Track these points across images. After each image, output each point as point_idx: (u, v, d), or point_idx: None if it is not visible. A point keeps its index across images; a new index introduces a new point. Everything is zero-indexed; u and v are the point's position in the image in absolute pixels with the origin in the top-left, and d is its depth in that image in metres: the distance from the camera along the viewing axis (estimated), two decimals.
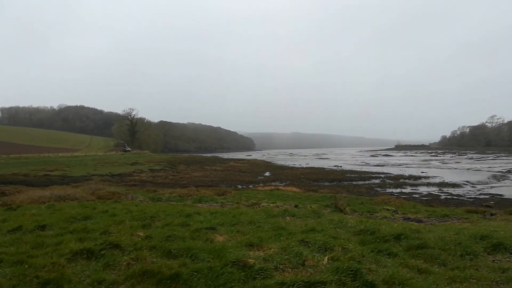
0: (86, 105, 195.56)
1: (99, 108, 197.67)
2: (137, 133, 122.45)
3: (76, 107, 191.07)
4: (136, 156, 78.94)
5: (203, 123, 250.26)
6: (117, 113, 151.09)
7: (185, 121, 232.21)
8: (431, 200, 22.82)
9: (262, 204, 13.22)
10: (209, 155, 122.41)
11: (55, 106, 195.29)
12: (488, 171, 49.44)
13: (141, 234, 6.75)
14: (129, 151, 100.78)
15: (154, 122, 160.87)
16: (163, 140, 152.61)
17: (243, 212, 9.75)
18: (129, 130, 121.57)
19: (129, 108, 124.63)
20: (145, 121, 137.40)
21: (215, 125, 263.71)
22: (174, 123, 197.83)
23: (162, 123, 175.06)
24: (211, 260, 5.14)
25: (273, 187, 26.10)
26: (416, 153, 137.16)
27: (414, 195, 25.88)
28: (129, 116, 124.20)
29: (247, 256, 5.20)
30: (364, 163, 73.59)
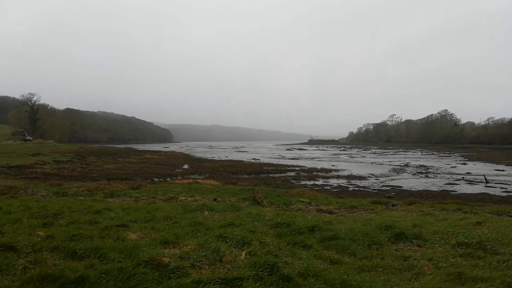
0: None
1: None
2: (39, 121, 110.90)
3: None
4: (38, 146, 71.54)
5: (116, 112, 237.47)
6: (14, 97, 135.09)
7: (95, 110, 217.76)
8: (341, 192, 24.44)
9: (180, 198, 12.86)
10: (122, 146, 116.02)
11: None
12: (389, 164, 54.60)
13: (41, 233, 6.05)
14: (29, 140, 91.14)
15: (59, 110, 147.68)
16: (70, 129, 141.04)
17: (158, 208, 9.35)
18: (29, 117, 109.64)
19: (29, 93, 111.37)
20: (49, 107, 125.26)
21: (129, 115, 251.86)
22: (83, 111, 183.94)
23: (69, 111, 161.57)
24: (122, 260, 4.78)
25: (191, 180, 25.68)
26: (327, 147, 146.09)
27: (325, 187, 27.47)
28: (29, 102, 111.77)
29: (161, 255, 4.94)
30: (280, 156, 76.23)
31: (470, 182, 32.44)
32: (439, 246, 6.04)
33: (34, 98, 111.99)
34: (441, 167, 49.08)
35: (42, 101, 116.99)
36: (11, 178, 21.68)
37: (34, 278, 4.10)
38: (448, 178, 35.90)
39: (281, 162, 55.57)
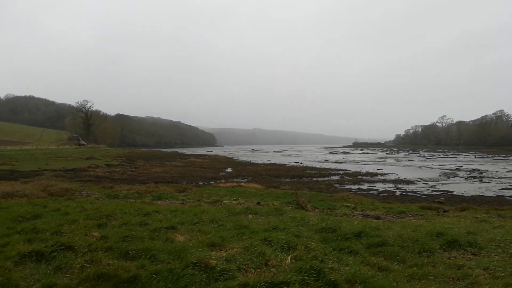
0: (36, 96, 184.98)
1: (50, 99, 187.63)
2: (92, 127, 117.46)
3: (25, 97, 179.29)
4: (91, 150, 75.84)
5: (163, 117, 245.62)
6: (70, 104, 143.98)
7: (143, 115, 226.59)
8: (387, 197, 23.68)
9: (224, 202, 13.06)
10: (168, 150, 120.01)
11: (2, 96, 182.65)
12: (439, 168, 52.15)
13: (96, 234, 6.39)
14: (83, 145, 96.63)
15: (110, 115, 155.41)
16: (120, 134, 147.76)
17: (204, 210, 9.56)
18: (83, 123, 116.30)
19: (84, 100, 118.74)
20: (101, 114, 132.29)
21: (175, 120, 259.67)
22: (132, 117, 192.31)
23: (119, 117, 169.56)
24: (171, 261, 4.95)
25: (235, 184, 25.96)
26: (372, 150, 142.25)
27: (371, 192, 26.74)
28: (83, 109, 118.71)
29: (209, 257, 5.06)
30: (323, 159, 75.24)
31: None
32: (495, 255, 5.70)
33: (88, 105, 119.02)
34: (496, 171, 46.12)
35: (95, 107, 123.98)
36: (67, 181, 23.04)
37: (90, 276, 4.36)
38: (505, 183, 33.64)
39: (324, 165, 54.87)
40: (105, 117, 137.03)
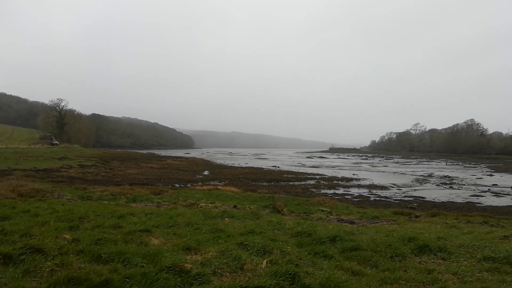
0: (8, 93, 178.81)
1: (23, 96, 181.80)
2: (66, 126, 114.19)
3: None
4: (64, 150, 73.75)
5: (140, 118, 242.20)
6: (43, 103, 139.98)
7: (120, 115, 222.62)
8: (362, 202, 24.06)
9: (201, 205, 12.97)
10: (145, 151, 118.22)
11: None
12: (411, 174, 53.43)
13: (67, 236, 6.23)
14: (56, 144, 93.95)
15: (85, 115, 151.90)
16: (95, 134, 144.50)
17: (180, 213, 9.47)
18: (57, 122, 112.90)
19: (58, 99, 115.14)
20: (76, 113, 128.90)
21: (152, 121, 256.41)
22: (108, 117, 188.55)
23: (95, 116, 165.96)
24: (145, 265, 4.87)
25: (212, 187, 25.82)
26: (348, 156, 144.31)
27: (346, 196, 27.12)
28: (57, 107, 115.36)
29: (184, 261, 5.01)
30: (300, 164, 75.78)
31: (496, 194, 31.34)
32: (464, 260, 5.89)
33: (62, 104, 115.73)
34: (466, 178, 47.67)
35: (70, 106, 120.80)
36: (38, 181, 22.31)
37: (60, 280, 4.23)
38: (474, 190, 34.80)
39: (301, 170, 55.26)
40: (79, 116, 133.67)
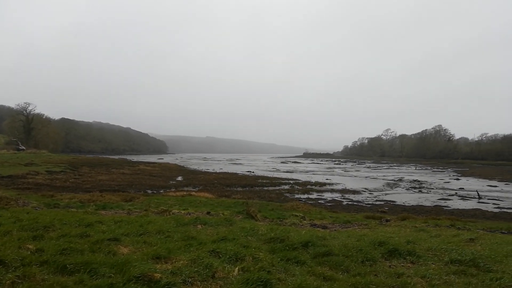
0: None
1: None
2: (33, 131, 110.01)
3: None
4: (31, 155, 70.90)
5: (112, 123, 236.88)
6: (9, 106, 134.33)
7: (90, 120, 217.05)
8: (335, 206, 24.39)
9: (173, 211, 12.74)
10: (116, 157, 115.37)
11: None
12: (383, 179, 54.70)
13: (31, 247, 5.94)
14: (23, 150, 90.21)
15: (54, 119, 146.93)
16: (64, 140, 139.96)
17: (151, 221, 9.25)
18: (23, 127, 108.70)
19: (25, 102, 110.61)
20: (44, 117, 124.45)
21: (124, 126, 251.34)
22: (78, 121, 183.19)
23: (64, 121, 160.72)
24: (112, 275, 4.71)
25: (185, 193, 25.49)
26: (321, 161, 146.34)
27: (319, 201, 27.40)
28: (24, 111, 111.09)
29: (153, 270, 4.88)
30: (275, 169, 76.19)
31: (463, 198, 32.54)
32: (432, 263, 6.02)
33: (30, 108, 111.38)
34: (434, 182, 49.26)
35: (38, 110, 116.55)
36: (2, 189, 21.36)
37: None
38: (442, 194, 35.99)
39: (276, 175, 55.51)
40: (48, 121, 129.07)
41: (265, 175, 54.51)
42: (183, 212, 13.02)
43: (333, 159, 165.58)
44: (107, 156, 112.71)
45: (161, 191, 29.65)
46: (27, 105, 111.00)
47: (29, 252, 5.63)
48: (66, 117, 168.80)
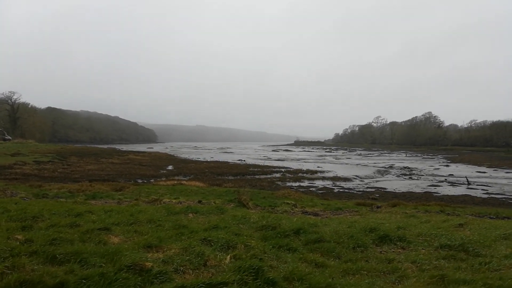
0: None
1: None
2: (19, 120, 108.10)
3: None
4: (18, 145, 69.80)
5: (100, 112, 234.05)
6: None
7: (78, 109, 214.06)
8: (326, 193, 24.57)
9: (164, 201, 12.68)
10: (105, 146, 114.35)
11: None
12: (373, 166, 55.27)
13: (19, 237, 5.85)
14: (9, 139, 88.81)
15: (40, 108, 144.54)
16: (51, 129, 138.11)
17: (142, 210, 9.19)
18: (9, 116, 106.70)
19: (10, 91, 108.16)
20: (29, 106, 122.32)
21: (112, 115, 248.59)
22: (65, 110, 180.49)
23: (50, 110, 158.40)
24: (103, 265, 4.65)
25: (176, 182, 25.44)
26: (312, 148, 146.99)
27: (311, 189, 27.59)
28: (9, 100, 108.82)
29: (144, 259, 4.83)
30: (266, 157, 76.30)
31: (452, 184, 33.06)
32: (422, 249, 6.09)
33: (15, 97, 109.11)
34: (424, 169, 49.90)
35: (23, 99, 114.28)
36: None
37: (11, 284, 3.96)
38: (431, 180, 36.50)
39: (267, 163, 55.63)
40: (34, 110, 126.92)
41: (256, 163, 54.60)
42: (174, 201, 12.97)
43: (324, 147, 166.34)
44: (96, 146, 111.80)
45: (152, 181, 29.53)
46: (12, 94, 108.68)
47: (18, 243, 5.54)
48: (52, 106, 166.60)
